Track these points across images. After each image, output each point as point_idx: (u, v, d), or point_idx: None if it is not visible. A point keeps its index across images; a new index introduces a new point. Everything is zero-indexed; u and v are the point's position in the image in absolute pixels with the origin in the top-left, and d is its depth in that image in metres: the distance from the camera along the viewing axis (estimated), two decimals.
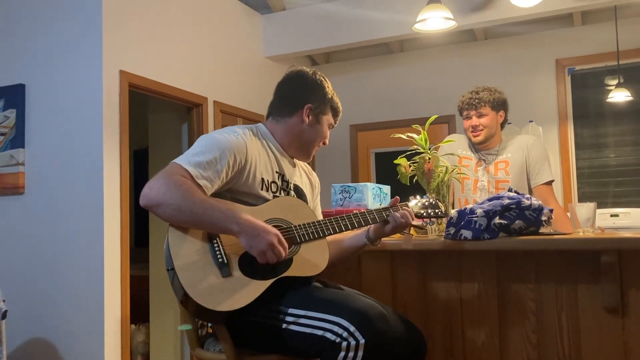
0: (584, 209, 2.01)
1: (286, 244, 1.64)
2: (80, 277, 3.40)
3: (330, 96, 1.94)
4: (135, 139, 4.18)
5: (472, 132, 2.82)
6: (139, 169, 5.22)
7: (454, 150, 2.76)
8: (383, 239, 1.94)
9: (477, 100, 2.80)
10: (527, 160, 2.81)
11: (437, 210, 1.97)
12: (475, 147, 2.87)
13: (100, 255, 3.37)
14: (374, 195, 2.56)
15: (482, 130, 2.79)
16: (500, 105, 2.83)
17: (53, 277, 3.48)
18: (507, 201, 1.96)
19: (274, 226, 1.69)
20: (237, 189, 1.76)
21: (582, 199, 4.96)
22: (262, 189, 1.78)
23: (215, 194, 1.72)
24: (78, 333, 3.38)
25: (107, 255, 3.38)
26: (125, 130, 3.57)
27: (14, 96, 3.65)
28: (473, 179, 2.82)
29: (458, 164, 2.81)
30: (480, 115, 2.79)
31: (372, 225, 1.88)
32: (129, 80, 3.62)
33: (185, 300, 1.58)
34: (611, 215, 4.26)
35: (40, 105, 3.61)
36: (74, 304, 3.40)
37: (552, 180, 2.82)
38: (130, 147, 3.65)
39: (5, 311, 2.83)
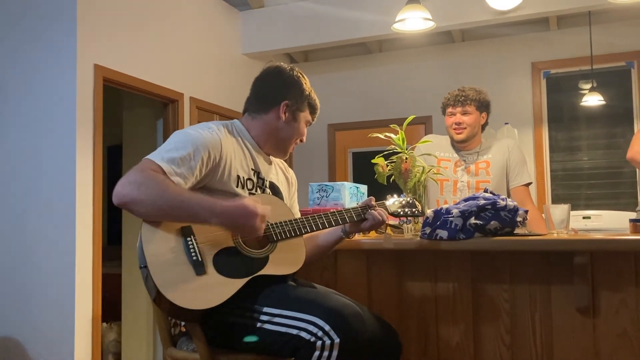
0: (559, 211, 2.03)
1: (267, 211, 1.61)
2: (52, 275, 3.33)
3: (307, 93, 1.92)
4: (109, 135, 4.11)
5: (454, 128, 2.81)
6: (113, 165, 5.13)
7: (431, 151, 2.76)
8: (361, 238, 1.93)
9: (463, 97, 2.79)
10: (508, 162, 2.83)
11: (414, 210, 1.97)
12: (456, 146, 2.88)
13: (72, 253, 3.30)
14: (351, 195, 2.55)
15: (465, 128, 2.79)
16: (484, 106, 2.85)
17: (23, 276, 3.40)
18: (482, 202, 1.97)
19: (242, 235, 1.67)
20: (211, 187, 1.73)
21: (555, 200, 5.03)
22: (237, 186, 1.76)
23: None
24: (48, 332, 3.31)
25: (78, 254, 3.32)
26: (99, 125, 3.51)
27: None
28: (452, 180, 2.82)
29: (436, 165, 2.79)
30: (464, 113, 2.79)
31: (352, 226, 1.87)
32: (103, 74, 3.55)
33: (159, 299, 1.54)
34: (583, 217, 4.32)
35: (12, 100, 3.53)
36: (45, 303, 3.33)
37: (530, 183, 2.86)
38: (103, 143, 3.59)
39: None
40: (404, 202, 1.97)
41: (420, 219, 2.13)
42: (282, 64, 1.95)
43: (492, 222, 1.95)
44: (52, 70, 3.43)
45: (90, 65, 3.48)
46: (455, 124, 2.80)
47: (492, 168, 2.82)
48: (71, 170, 3.35)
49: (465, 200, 2.01)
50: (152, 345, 4.35)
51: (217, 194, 1.73)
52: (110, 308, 4.18)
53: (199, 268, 1.58)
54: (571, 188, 5.09)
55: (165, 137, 4.23)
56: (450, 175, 2.82)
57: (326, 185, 2.53)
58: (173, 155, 1.63)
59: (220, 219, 1.57)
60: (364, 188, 2.67)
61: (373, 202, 1.89)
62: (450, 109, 2.83)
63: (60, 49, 3.42)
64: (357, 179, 5.45)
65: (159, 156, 1.64)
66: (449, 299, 2.11)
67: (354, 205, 2.35)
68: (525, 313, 2.01)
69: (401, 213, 1.95)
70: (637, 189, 4.80)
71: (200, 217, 1.58)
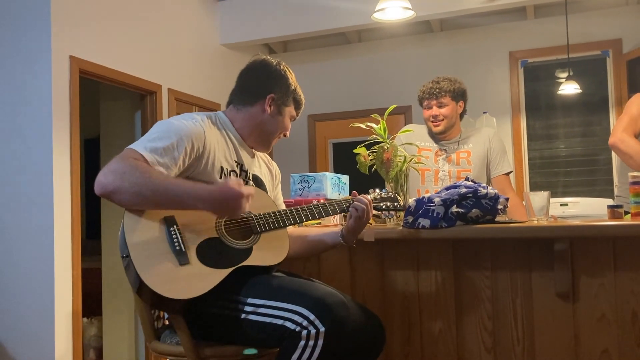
0: (538, 198, 2.06)
1: (252, 190, 1.59)
2: (30, 271, 3.28)
3: (293, 88, 1.91)
4: (86, 128, 4.05)
5: (432, 121, 2.82)
6: (90, 158, 5.06)
7: (412, 141, 2.77)
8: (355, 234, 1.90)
9: (437, 90, 2.79)
10: (489, 152, 2.86)
11: (395, 204, 1.98)
12: (436, 137, 2.89)
13: (50, 248, 3.26)
14: (332, 185, 2.55)
15: (442, 120, 2.80)
16: (460, 95, 2.85)
17: (1, 271, 3.34)
18: (464, 190, 1.98)
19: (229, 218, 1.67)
20: (194, 177, 1.71)
21: (533, 188, 5.10)
22: (220, 178, 1.75)
23: None
24: (28, 329, 3.26)
25: (57, 248, 3.27)
26: (75, 118, 3.46)
27: None
28: (434, 170, 2.83)
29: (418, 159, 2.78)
30: (440, 105, 2.80)
31: (346, 226, 1.85)
32: (79, 66, 3.49)
33: (141, 289, 1.53)
34: (561, 205, 4.38)
35: None
36: (24, 299, 3.28)
37: (511, 172, 2.89)
38: (81, 136, 3.53)
39: None
40: (385, 196, 1.98)
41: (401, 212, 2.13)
42: (268, 57, 1.94)
43: (473, 210, 1.97)
44: (26, 62, 3.36)
45: (66, 56, 3.41)
46: (432, 116, 2.81)
47: (473, 157, 2.84)
48: (48, 164, 3.29)
49: (447, 188, 2.02)
50: (134, 340, 4.32)
51: None
52: (90, 303, 4.14)
53: (182, 258, 1.57)
54: (549, 176, 5.16)
55: (144, 129, 4.18)
56: (431, 165, 2.83)
57: (308, 176, 2.53)
58: (156, 145, 1.61)
59: (206, 203, 1.56)
60: (345, 178, 2.67)
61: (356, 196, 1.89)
62: (426, 102, 2.84)
63: (34, 40, 3.35)
64: (337, 170, 5.46)
65: (141, 145, 1.61)
66: (432, 287, 2.12)
67: (336, 196, 2.37)
68: (506, 299, 2.03)
69: (382, 207, 1.95)
70: (613, 176, 4.88)
71: (185, 203, 1.56)
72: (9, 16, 3.43)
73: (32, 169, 3.32)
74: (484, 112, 4.87)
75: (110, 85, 3.95)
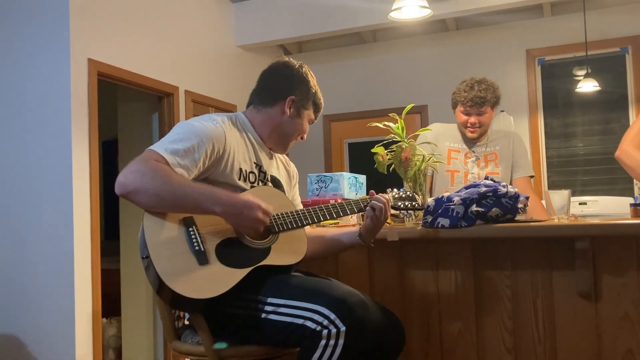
0: (559, 197, 2.04)
1: (270, 210, 1.63)
2: (50, 271, 3.32)
3: (314, 91, 1.92)
4: (104, 130, 4.09)
5: (469, 128, 2.79)
6: (108, 160, 5.11)
7: (441, 140, 2.75)
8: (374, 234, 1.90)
9: (481, 100, 2.74)
10: (513, 154, 2.85)
11: (413, 203, 1.97)
12: (466, 139, 2.87)
13: (70, 249, 3.29)
14: (350, 185, 2.55)
15: (480, 127, 2.79)
16: (498, 101, 2.84)
17: (22, 273, 3.39)
18: (484, 189, 1.97)
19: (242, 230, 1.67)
20: (214, 179, 1.72)
21: (551, 187, 5.05)
22: (239, 179, 1.75)
23: None
24: (49, 329, 3.30)
25: (77, 249, 3.31)
26: (94, 120, 3.49)
27: None
28: (463, 172, 2.82)
29: (447, 156, 2.80)
30: (480, 114, 2.77)
31: (364, 226, 1.85)
32: (97, 69, 3.53)
33: (161, 289, 1.54)
34: (579, 204, 4.33)
35: (7, 94, 3.50)
36: (44, 299, 3.32)
37: (532, 176, 2.91)
38: (99, 138, 3.57)
39: None
40: (403, 196, 1.97)
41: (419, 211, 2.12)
42: (291, 59, 1.95)
43: (493, 209, 1.95)
44: (45, 66, 3.41)
45: (84, 59, 3.45)
46: (470, 124, 2.78)
47: (499, 160, 2.83)
48: (67, 166, 3.33)
49: (467, 187, 2.01)
50: (153, 340, 4.36)
51: (220, 186, 1.72)
52: (109, 303, 4.17)
53: (201, 258, 1.57)
54: (567, 174, 5.11)
55: (161, 131, 4.21)
56: (460, 167, 2.82)
57: (325, 175, 2.53)
58: (177, 147, 1.63)
59: (223, 208, 1.57)
60: (362, 178, 2.67)
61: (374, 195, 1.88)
62: (464, 109, 2.79)
63: (53, 43, 3.39)
64: (353, 170, 5.45)
65: (162, 147, 1.63)
66: (451, 287, 2.11)
67: (354, 196, 2.36)
68: (527, 299, 2.02)
69: (401, 206, 1.95)
70: None
71: (203, 207, 1.58)
72: (28, 20, 3.47)
73: (51, 171, 3.36)
74: (501, 111, 4.84)
75: (128, 87, 3.98)
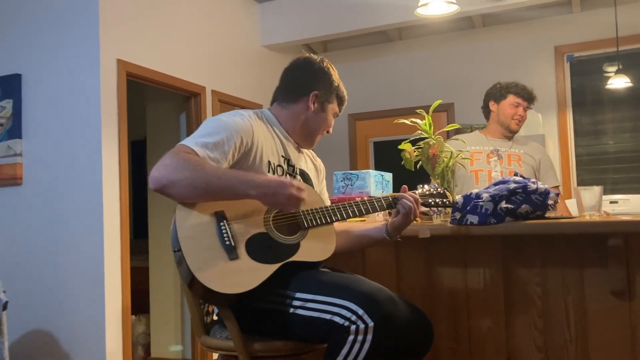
0: (590, 194, 2.00)
1: (303, 186, 1.64)
2: (81, 268, 3.38)
3: (336, 84, 1.94)
4: (133, 130, 4.15)
5: (516, 119, 2.91)
6: (137, 160, 5.18)
7: (462, 148, 2.80)
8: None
9: (532, 97, 2.94)
10: (539, 165, 2.95)
11: (444, 200, 1.95)
12: (489, 138, 2.96)
13: (100, 247, 3.35)
14: (376, 183, 2.54)
15: (522, 122, 2.94)
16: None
17: (53, 269, 3.46)
18: (513, 185, 1.95)
19: (279, 211, 1.68)
20: None
21: (580, 185, 4.96)
22: (268, 172, 1.77)
23: None
24: (79, 324, 3.36)
25: (107, 247, 3.36)
26: (123, 120, 3.54)
27: (11, 86, 3.61)
28: (486, 170, 2.86)
29: (469, 160, 2.81)
30: (525, 109, 2.93)
31: (390, 222, 1.85)
32: (126, 69, 3.58)
33: (192, 283, 1.56)
34: (610, 202, 4.25)
35: (37, 95, 3.58)
36: (75, 296, 3.39)
37: (558, 185, 2.96)
38: (127, 138, 3.62)
39: (6, 302, 2.81)
40: (434, 192, 1.95)
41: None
42: (312, 55, 1.96)
43: (523, 206, 1.93)
44: (76, 66, 3.47)
45: (113, 60, 3.51)
46: (519, 116, 2.91)
47: (523, 162, 2.90)
48: (97, 166, 3.39)
49: (496, 184, 1.99)
50: (181, 337, 4.40)
51: None
52: (138, 301, 4.23)
53: (231, 252, 1.59)
54: (597, 172, 5.01)
55: (189, 130, 4.26)
56: (483, 166, 2.85)
57: (351, 173, 2.53)
58: (207, 140, 1.65)
59: (258, 190, 1.59)
60: (389, 176, 2.66)
61: (404, 192, 1.88)
62: (518, 99, 2.89)
63: (83, 44, 3.45)
64: (378, 168, 5.42)
65: (192, 141, 1.66)
66: (480, 285, 2.09)
67: (380, 194, 2.35)
68: (557, 297, 1.99)
69: (432, 203, 1.93)
70: None
71: (238, 191, 1.60)
72: (59, 22, 3.54)
73: (81, 171, 3.42)
74: (529, 108, 4.77)
75: (156, 87, 4.04)
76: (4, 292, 2.84)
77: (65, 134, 3.49)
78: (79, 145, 3.44)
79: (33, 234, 3.53)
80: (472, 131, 4.41)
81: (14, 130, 3.57)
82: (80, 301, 3.38)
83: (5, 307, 2.81)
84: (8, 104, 3.61)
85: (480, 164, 2.83)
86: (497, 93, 2.94)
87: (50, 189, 3.50)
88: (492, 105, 2.96)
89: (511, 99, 2.89)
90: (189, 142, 1.66)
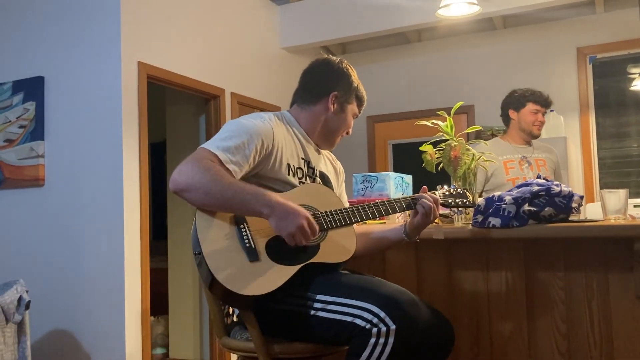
0: (615, 197, 1.96)
1: (316, 227, 1.62)
2: (102, 269, 3.41)
3: (355, 85, 1.93)
4: (153, 132, 4.18)
5: (538, 125, 3.10)
6: (157, 162, 5.23)
7: (493, 157, 2.97)
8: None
9: (549, 102, 3.13)
10: (556, 168, 3.15)
11: (465, 200, 1.93)
12: (512, 145, 3.12)
13: (120, 248, 3.37)
14: (396, 185, 2.53)
15: (542, 126, 3.14)
16: None
17: (75, 270, 3.49)
18: (536, 188, 1.92)
19: (284, 238, 1.67)
20: (263, 174, 1.74)
21: (603, 189, 4.88)
22: (288, 174, 1.77)
23: (242, 180, 1.70)
24: (100, 326, 3.39)
25: (127, 248, 3.39)
26: (144, 122, 3.57)
27: (33, 89, 3.66)
28: (522, 177, 2.96)
29: (504, 168, 3.02)
30: (544, 114, 3.13)
31: (408, 221, 1.84)
32: (147, 71, 3.61)
33: (213, 285, 1.56)
34: (635, 206, 4.17)
35: (59, 97, 3.62)
36: (96, 296, 3.42)
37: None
38: (148, 140, 3.64)
39: (29, 302, 2.84)
40: (454, 193, 1.94)
41: (470, 208, 2.10)
42: (331, 56, 1.96)
43: (546, 209, 1.90)
44: (97, 68, 3.50)
45: (134, 62, 3.54)
46: (540, 122, 3.09)
47: (548, 166, 3.08)
48: (118, 168, 3.42)
49: (518, 187, 1.96)
50: (199, 338, 4.42)
51: (270, 181, 1.74)
52: (156, 302, 4.26)
53: (252, 255, 1.59)
54: (620, 176, 4.93)
55: (208, 133, 4.28)
56: (519, 174, 2.98)
57: (370, 175, 2.52)
58: (228, 144, 1.65)
59: (271, 210, 1.58)
60: (409, 178, 2.64)
61: (424, 193, 1.86)
62: (537, 107, 3.08)
63: (104, 47, 3.49)
64: (397, 171, 5.40)
65: (214, 145, 1.66)
66: (502, 288, 2.06)
67: (399, 196, 2.34)
68: (581, 302, 1.95)
69: (452, 203, 1.91)
70: None
71: (251, 207, 1.60)
72: (80, 24, 3.58)
73: (102, 173, 3.45)
74: (551, 110, 4.72)
75: (176, 90, 4.06)
76: (27, 291, 2.88)
77: (86, 136, 3.52)
78: (100, 147, 3.47)
79: (55, 234, 3.57)
80: (492, 135, 4.42)
81: (37, 132, 3.62)
82: (100, 302, 3.40)
83: (28, 306, 2.84)
84: (31, 106, 3.65)
85: (515, 172, 2.95)
86: (515, 102, 3.10)
87: (72, 190, 3.54)
88: (512, 114, 3.12)
89: (530, 106, 3.05)
90: (210, 145, 1.66)
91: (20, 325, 2.86)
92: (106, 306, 3.38)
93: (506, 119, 3.17)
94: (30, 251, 3.63)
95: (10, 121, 3.71)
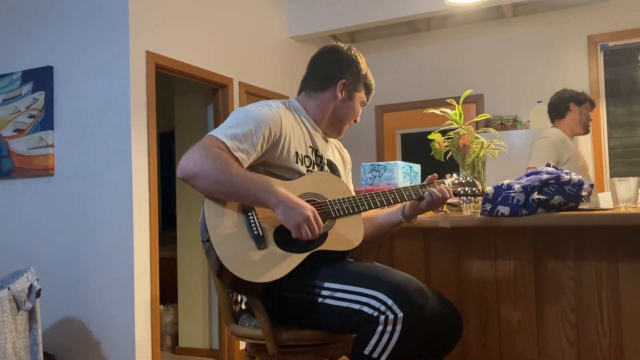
0: (626, 185, 1.94)
1: (321, 222, 1.62)
2: (111, 257, 3.43)
3: (364, 73, 1.92)
4: (161, 122, 4.19)
5: (589, 124, 3.52)
6: (165, 152, 5.24)
7: (564, 148, 3.37)
8: (419, 216, 1.90)
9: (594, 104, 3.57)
10: None
11: (474, 189, 1.92)
12: (569, 137, 3.48)
13: (129, 237, 3.39)
14: (404, 174, 2.52)
15: None
16: None
17: (85, 260, 3.52)
18: (545, 176, 1.90)
19: (308, 201, 1.67)
20: (271, 162, 1.74)
21: (614, 177, 4.84)
22: (296, 162, 1.76)
23: (249, 168, 1.70)
24: (110, 314, 3.42)
25: (136, 238, 3.40)
26: (152, 111, 3.57)
27: (43, 78, 3.67)
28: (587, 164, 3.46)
29: (579, 158, 3.43)
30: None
31: (408, 202, 1.84)
32: (155, 61, 3.61)
33: (221, 272, 1.57)
34: None
35: (68, 87, 3.63)
36: (105, 285, 3.44)
37: None
38: (156, 130, 3.65)
39: (39, 290, 2.87)
40: (463, 181, 1.92)
41: (479, 197, 2.08)
42: (339, 43, 1.94)
43: (556, 197, 1.89)
44: (106, 58, 3.51)
45: (143, 52, 3.54)
46: (590, 120, 3.51)
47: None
48: (127, 157, 3.42)
49: (527, 175, 1.95)
50: (208, 327, 4.45)
51: (277, 169, 1.74)
52: (166, 291, 4.29)
53: (260, 242, 1.59)
54: (631, 165, 4.88)
55: (216, 122, 4.28)
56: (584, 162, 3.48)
57: (379, 165, 2.51)
58: (236, 132, 1.65)
59: (278, 200, 1.58)
60: (417, 167, 2.63)
61: (434, 181, 1.86)
62: (590, 106, 3.49)
63: (113, 36, 3.49)
64: (405, 161, 5.39)
65: (222, 132, 1.66)
66: (510, 277, 2.06)
67: (408, 185, 2.33)
68: (591, 291, 1.94)
69: (461, 192, 1.90)
70: None
71: (258, 196, 1.60)
72: (89, 15, 3.58)
73: (111, 162, 3.46)
74: None
75: (184, 79, 4.06)
76: (37, 280, 2.90)
77: (95, 125, 3.53)
78: (109, 137, 3.48)
79: (64, 223, 3.59)
80: (501, 125, 4.46)
81: (46, 121, 3.64)
82: (110, 290, 3.43)
83: (38, 294, 2.87)
84: (40, 95, 3.67)
85: (584, 159, 3.39)
86: (578, 97, 3.45)
87: (81, 179, 3.56)
88: (573, 107, 3.46)
89: (587, 105, 3.46)
90: (218, 133, 1.66)
91: (31, 313, 2.88)
92: (116, 295, 3.41)
93: (562, 111, 3.48)
94: (40, 240, 3.66)
95: (19, 111, 3.73)
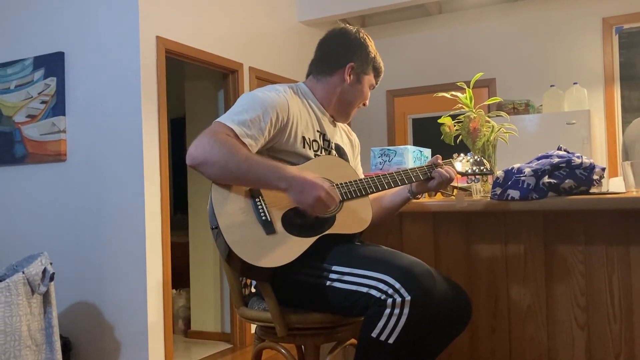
0: (638, 168, 1.92)
1: (336, 195, 1.62)
2: (123, 242, 3.47)
3: (373, 56, 1.90)
4: (172, 108, 4.19)
5: None
6: (176, 138, 5.26)
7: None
8: (427, 200, 1.90)
9: None
10: None
11: (482, 167, 1.91)
12: None
13: (141, 222, 3.42)
14: (414, 159, 2.51)
15: None
16: None
17: (97, 243, 3.55)
18: (556, 160, 1.89)
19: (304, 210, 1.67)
20: (278, 148, 1.74)
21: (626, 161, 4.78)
22: (303, 147, 1.76)
23: (257, 153, 1.70)
24: (123, 299, 3.46)
25: (148, 223, 3.43)
26: (163, 98, 3.58)
27: (54, 64, 3.68)
28: None
29: None
30: None
31: (420, 183, 1.84)
32: (165, 46, 3.61)
33: (230, 258, 1.58)
34: None
35: (80, 72, 3.64)
36: (118, 269, 3.48)
37: None
38: (167, 116, 3.66)
39: (53, 273, 2.90)
40: (471, 160, 1.91)
41: (490, 180, 2.08)
42: (347, 26, 1.92)
43: (566, 181, 1.87)
44: (116, 43, 3.51)
45: (153, 37, 3.54)
46: None
47: None
48: (138, 142, 3.44)
49: (538, 158, 1.93)
50: (220, 310, 4.49)
51: (285, 154, 1.74)
52: (179, 275, 4.33)
53: (268, 227, 1.60)
54: None
55: (227, 107, 4.28)
56: None
57: (389, 149, 2.50)
58: (243, 118, 1.65)
59: (289, 183, 1.58)
60: (427, 152, 2.62)
61: (439, 161, 1.85)
62: None
63: (123, 22, 3.49)
64: (417, 145, 5.36)
65: (229, 118, 1.65)
66: (520, 261, 2.05)
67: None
68: (601, 275, 1.93)
69: (469, 171, 1.89)
70: None
71: (268, 181, 1.60)
72: (99, 1, 3.58)
73: (123, 148, 3.48)
74: (574, 83, 4.63)
75: (194, 65, 4.06)
76: (51, 263, 2.94)
77: (106, 111, 3.55)
78: (121, 122, 3.50)
79: (77, 208, 3.63)
80: (513, 109, 4.38)
81: (58, 107, 3.66)
82: (123, 275, 3.47)
83: (52, 278, 2.90)
84: (52, 81, 3.69)
85: None
86: None
87: (93, 165, 3.58)
88: None
89: None
90: (225, 119, 1.65)
91: (46, 296, 2.93)
92: (128, 279, 3.45)
93: None
94: (53, 225, 3.71)
95: (32, 97, 3.76)
